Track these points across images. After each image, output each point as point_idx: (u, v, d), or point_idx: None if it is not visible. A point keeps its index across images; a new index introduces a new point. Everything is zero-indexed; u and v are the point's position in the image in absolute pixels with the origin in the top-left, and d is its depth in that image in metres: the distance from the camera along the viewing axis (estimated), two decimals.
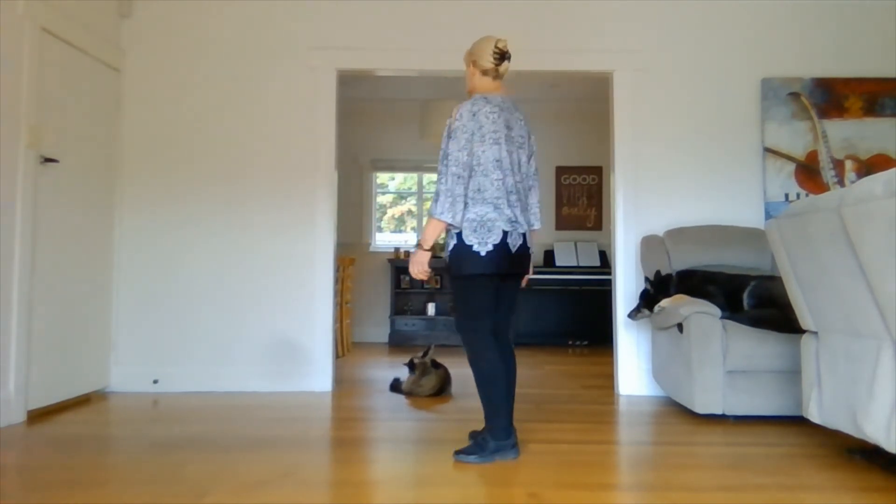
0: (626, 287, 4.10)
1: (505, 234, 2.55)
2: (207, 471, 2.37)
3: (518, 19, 4.21)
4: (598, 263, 6.87)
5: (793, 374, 3.17)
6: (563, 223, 7.26)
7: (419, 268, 2.58)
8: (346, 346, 5.85)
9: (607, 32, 4.21)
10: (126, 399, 3.77)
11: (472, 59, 2.67)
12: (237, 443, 2.77)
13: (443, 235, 2.63)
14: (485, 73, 2.65)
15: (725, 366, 3.21)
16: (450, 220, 2.50)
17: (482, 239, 2.53)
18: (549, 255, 7.02)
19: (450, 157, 2.50)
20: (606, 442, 2.86)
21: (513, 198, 2.58)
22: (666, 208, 4.14)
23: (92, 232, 3.83)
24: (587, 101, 7.12)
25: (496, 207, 2.54)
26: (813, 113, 4.15)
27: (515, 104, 2.71)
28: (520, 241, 2.60)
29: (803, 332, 2.77)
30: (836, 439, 2.88)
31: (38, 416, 3.30)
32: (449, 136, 2.54)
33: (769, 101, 4.14)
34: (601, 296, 6.66)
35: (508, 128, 2.60)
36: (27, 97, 3.23)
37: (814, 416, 2.57)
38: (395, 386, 4.01)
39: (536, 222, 2.79)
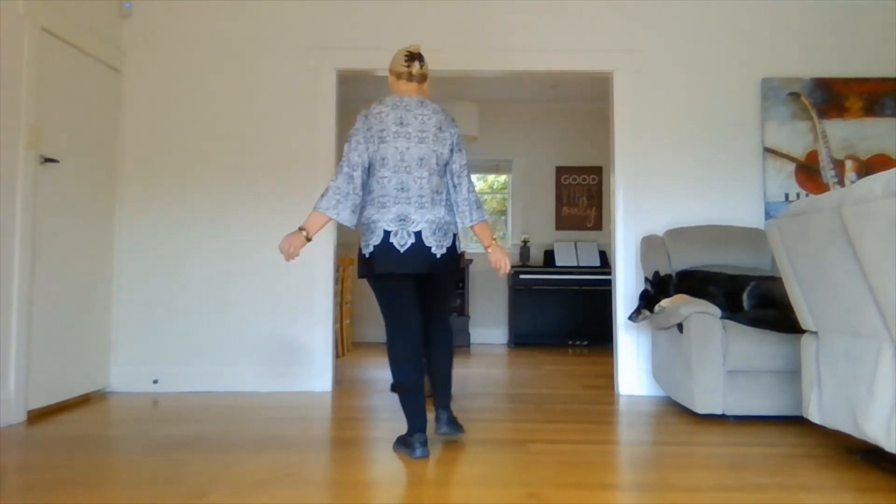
0: (626, 287, 4.10)
1: (387, 233, 2.54)
2: (207, 471, 2.37)
3: (518, 19, 4.21)
4: (598, 263, 6.87)
5: (793, 374, 3.17)
6: (563, 223, 7.26)
7: (286, 246, 2.55)
8: (346, 346, 5.85)
9: (607, 32, 4.21)
10: (126, 399, 3.77)
11: (390, 67, 2.76)
12: (237, 443, 2.77)
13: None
14: (398, 76, 2.72)
15: (725, 366, 3.21)
16: (332, 215, 2.56)
17: (367, 241, 2.59)
18: (549, 255, 7.02)
19: (343, 158, 2.60)
20: (606, 442, 2.86)
21: (403, 195, 2.56)
22: (666, 208, 4.14)
23: (92, 232, 3.83)
24: (587, 101, 7.12)
25: (381, 207, 2.57)
26: (813, 113, 4.15)
27: (424, 102, 2.68)
28: (410, 241, 2.54)
29: (803, 332, 2.77)
30: (836, 439, 2.88)
31: (38, 416, 3.30)
32: (346, 141, 2.64)
33: (769, 101, 4.14)
34: (601, 296, 6.66)
35: (401, 124, 2.60)
36: (27, 97, 3.23)
37: (814, 416, 2.57)
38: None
39: (468, 219, 2.69)
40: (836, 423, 2.44)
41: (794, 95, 4.15)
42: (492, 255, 2.74)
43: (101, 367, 3.92)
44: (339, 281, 5.49)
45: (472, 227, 2.72)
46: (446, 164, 2.68)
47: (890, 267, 2.04)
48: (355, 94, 6.89)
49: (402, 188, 2.56)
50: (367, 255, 2.59)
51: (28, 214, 3.23)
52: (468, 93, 6.85)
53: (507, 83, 6.59)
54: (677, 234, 3.95)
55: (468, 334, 6.88)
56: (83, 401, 3.70)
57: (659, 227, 4.12)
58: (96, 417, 3.31)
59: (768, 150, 4.14)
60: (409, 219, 2.55)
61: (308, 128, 4.14)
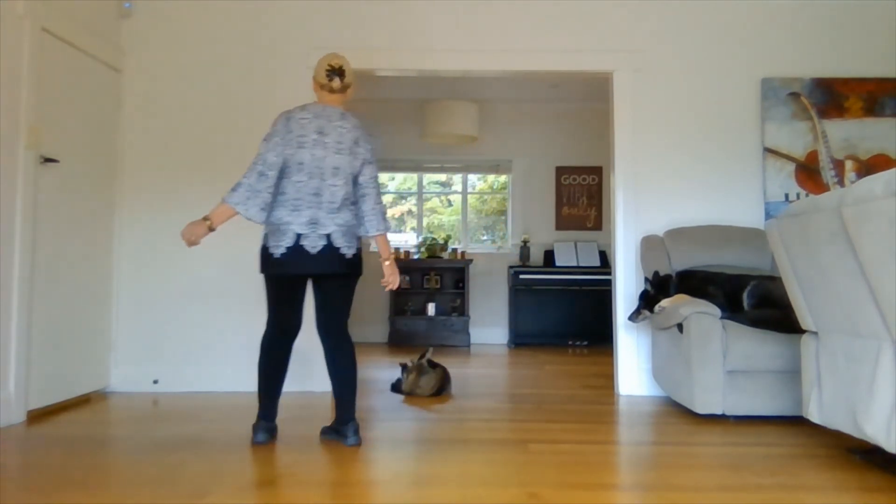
0: (626, 287, 4.10)
1: (299, 236, 2.64)
2: (207, 471, 2.37)
3: (518, 19, 4.21)
4: (598, 263, 6.87)
5: (793, 374, 3.17)
6: (563, 223, 7.26)
7: (188, 234, 2.59)
8: None
9: (607, 32, 4.21)
10: (126, 399, 3.77)
11: (314, 74, 2.85)
12: (237, 443, 2.77)
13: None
14: (321, 87, 2.81)
15: (725, 366, 3.21)
16: (241, 211, 2.59)
17: (277, 242, 2.65)
18: (549, 255, 7.02)
19: (258, 156, 2.65)
20: (606, 442, 2.86)
21: (316, 200, 2.67)
22: (666, 208, 4.14)
23: (92, 232, 3.83)
24: (587, 101, 7.12)
25: (294, 210, 2.65)
26: (813, 113, 4.15)
27: (345, 115, 2.79)
28: (322, 243, 2.65)
29: (803, 332, 2.77)
30: (836, 439, 2.88)
31: (38, 416, 3.30)
32: (264, 139, 2.69)
33: (769, 101, 4.14)
34: (601, 296, 6.65)
35: (320, 133, 2.70)
36: (27, 97, 3.23)
37: (814, 416, 2.57)
38: (396, 386, 4.01)
39: (372, 229, 2.78)
40: (836, 423, 2.44)
41: (794, 95, 4.15)
42: (386, 269, 2.84)
43: (101, 367, 3.92)
44: None
45: (374, 238, 2.82)
46: (357, 176, 2.78)
47: (890, 267, 2.04)
48: (355, 94, 6.87)
49: (317, 193, 2.67)
50: (276, 256, 2.65)
51: (28, 214, 3.23)
52: (468, 93, 6.84)
53: (507, 83, 6.59)
54: (677, 235, 3.95)
55: (468, 334, 6.88)
56: (83, 401, 3.70)
57: (659, 227, 4.12)
58: (96, 417, 3.31)
59: (768, 150, 4.14)
60: (319, 223, 2.67)
61: None
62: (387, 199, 7.79)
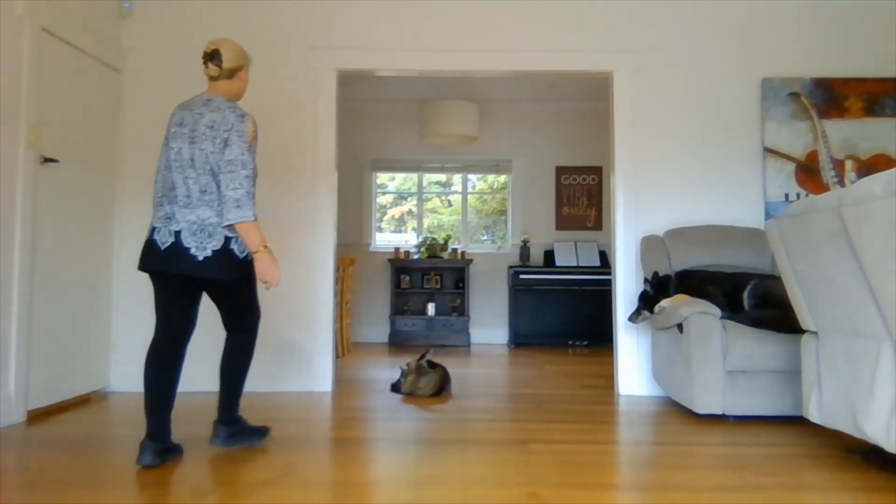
0: (626, 287, 4.10)
1: (153, 230, 2.52)
2: (207, 471, 2.37)
3: (518, 19, 4.21)
4: (598, 263, 6.87)
5: (793, 374, 3.17)
6: (563, 223, 7.26)
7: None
8: (346, 346, 5.86)
9: (607, 32, 4.21)
10: (126, 399, 3.77)
11: None
12: None
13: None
14: (205, 75, 2.67)
15: (725, 366, 3.21)
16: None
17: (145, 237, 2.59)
18: (549, 255, 7.02)
19: None
20: (606, 442, 2.86)
21: (172, 194, 2.51)
22: (666, 208, 4.14)
23: (92, 232, 3.83)
24: (587, 101, 7.12)
25: (157, 205, 2.55)
26: (813, 113, 4.15)
27: (210, 100, 2.57)
28: (170, 240, 2.47)
29: (803, 332, 2.77)
30: (836, 439, 2.88)
31: (38, 416, 3.30)
32: None
33: (769, 101, 4.14)
34: (601, 296, 6.65)
35: (180, 125, 2.55)
36: (27, 97, 3.23)
37: (814, 416, 2.57)
38: (396, 386, 4.01)
39: (229, 213, 2.44)
40: (836, 423, 2.44)
41: (794, 95, 4.15)
42: (256, 265, 2.51)
43: (101, 367, 3.92)
44: (339, 281, 5.49)
45: (235, 228, 2.49)
46: (218, 162, 2.49)
47: (890, 267, 2.04)
48: (355, 94, 6.89)
49: (172, 187, 2.51)
50: (141, 252, 2.58)
51: (28, 214, 3.23)
52: (468, 93, 6.84)
53: (507, 83, 6.59)
54: (677, 235, 3.95)
55: (468, 334, 6.88)
56: (83, 401, 3.69)
57: (659, 227, 4.12)
58: (96, 417, 3.31)
59: (768, 150, 4.14)
60: (173, 218, 2.50)
61: (308, 128, 4.14)
62: (387, 199, 7.79)
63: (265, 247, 2.50)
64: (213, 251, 2.48)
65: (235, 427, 2.72)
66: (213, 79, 2.64)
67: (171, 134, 2.55)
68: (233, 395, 2.73)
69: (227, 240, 2.50)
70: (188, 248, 2.47)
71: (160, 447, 2.45)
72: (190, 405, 3.58)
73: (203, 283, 2.58)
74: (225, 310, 2.69)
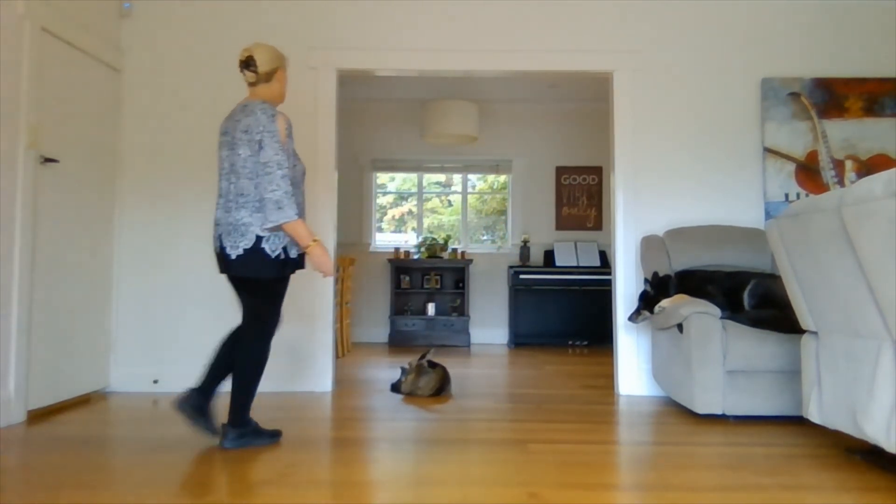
0: (626, 287, 4.10)
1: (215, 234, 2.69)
2: (207, 471, 2.37)
3: (518, 19, 4.21)
4: (598, 263, 6.87)
5: (793, 374, 3.17)
6: (563, 223, 7.26)
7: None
8: (346, 346, 5.86)
9: (607, 32, 4.21)
10: (126, 399, 3.77)
11: None
12: None
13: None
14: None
15: (725, 366, 3.21)
16: None
17: None
18: (549, 255, 7.02)
19: None
20: (606, 442, 2.86)
21: (220, 200, 2.67)
22: (666, 208, 4.14)
23: (92, 232, 3.83)
24: (587, 101, 7.12)
25: (215, 211, 2.71)
26: (813, 113, 4.15)
27: (247, 106, 2.65)
28: (217, 244, 2.65)
29: (803, 332, 2.77)
30: (836, 439, 2.88)
31: (38, 416, 3.30)
32: None
33: (769, 101, 4.14)
34: (601, 296, 6.66)
35: (224, 133, 2.71)
36: (27, 97, 3.23)
37: (814, 416, 2.57)
38: (396, 386, 4.01)
39: (271, 216, 2.53)
40: (836, 423, 2.44)
41: (794, 95, 4.15)
42: (308, 258, 2.63)
43: (101, 367, 3.92)
44: (339, 281, 5.49)
45: (283, 225, 2.56)
46: (255, 166, 2.58)
47: (890, 267, 2.04)
48: (355, 94, 6.89)
49: (220, 194, 2.68)
50: None
51: (28, 214, 3.23)
52: (468, 93, 6.85)
53: (507, 83, 6.59)
54: (677, 234, 3.94)
55: (468, 334, 6.88)
56: (83, 401, 3.69)
57: (659, 227, 4.12)
58: (96, 417, 3.31)
59: (768, 150, 4.14)
60: (219, 222, 2.66)
61: (308, 128, 4.13)
62: (387, 199, 7.79)
63: (315, 240, 2.60)
64: (245, 250, 2.57)
65: (244, 429, 2.70)
66: (251, 84, 2.75)
67: (219, 143, 2.72)
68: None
69: (259, 239, 2.57)
70: (225, 248, 2.61)
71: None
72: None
73: (237, 282, 2.69)
74: (243, 304, 2.74)
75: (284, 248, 2.63)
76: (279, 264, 2.63)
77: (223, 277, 4.02)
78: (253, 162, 2.56)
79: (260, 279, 2.62)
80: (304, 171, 2.80)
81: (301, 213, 2.66)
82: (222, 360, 2.75)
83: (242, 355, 2.69)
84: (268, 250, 2.59)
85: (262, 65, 2.70)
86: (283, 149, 2.58)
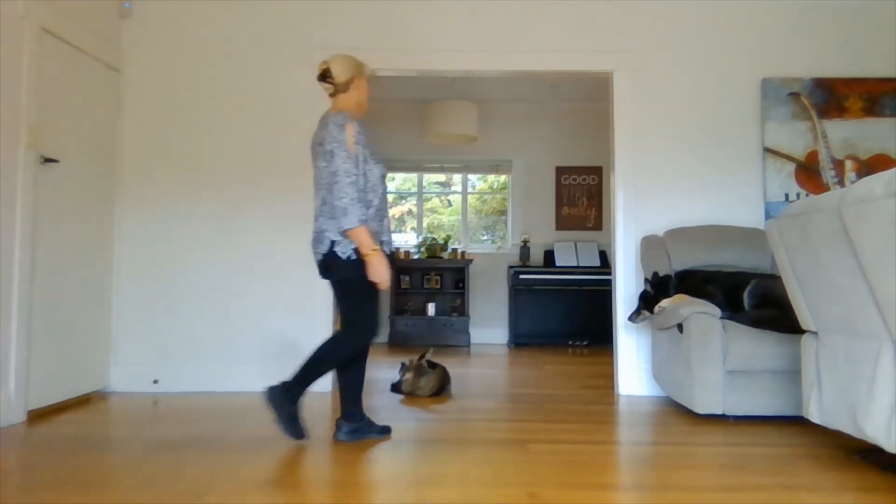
0: (626, 287, 4.10)
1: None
2: (207, 471, 2.37)
3: (518, 19, 4.21)
4: (598, 263, 6.87)
5: (793, 374, 3.17)
6: (563, 223, 7.26)
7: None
8: None
9: (607, 32, 4.21)
10: (126, 399, 3.77)
11: None
12: (237, 443, 2.77)
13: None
14: None
15: (725, 366, 3.21)
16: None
17: None
18: (549, 255, 7.02)
19: None
20: (606, 442, 2.86)
21: (317, 211, 2.80)
22: (666, 208, 4.14)
23: (92, 232, 3.83)
24: (587, 101, 7.12)
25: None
26: (813, 113, 4.15)
27: (325, 117, 2.79)
28: (311, 250, 2.80)
29: (803, 332, 2.77)
30: (836, 439, 2.88)
31: (38, 416, 3.30)
32: None
33: (769, 101, 4.14)
34: (601, 296, 6.66)
35: (311, 148, 2.84)
36: (27, 97, 3.23)
37: (814, 416, 2.57)
38: (396, 386, 4.01)
39: (340, 222, 2.64)
40: (836, 423, 2.44)
41: (794, 95, 4.15)
42: (367, 267, 2.68)
43: (101, 367, 3.92)
44: None
45: (347, 231, 2.65)
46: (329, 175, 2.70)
47: (890, 267, 2.04)
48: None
49: (318, 203, 2.80)
50: None
51: (28, 214, 3.23)
52: (468, 93, 6.85)
53: (507, 83, 6.59)
54: (677, 234, 3.94)
55: (468, 334, 6.88)
56: (83, 401, 3.69)
57: (659, 227, 4.12)
58: (96, 417, 3.31)
59: (768, 150, 4.14)
60: (316, 230, 2.80)
61: (308, 128, 4.13)
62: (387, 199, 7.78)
63: (374, 249, 2.67)
64: (323, 255, 2.74)
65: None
66: (330, 95, 2.87)
67: (313, 155, 2.82)
68: (304, 382, 2.74)
69: (332, 243, 2.72)
70: (314, 254, 2.79)
71: (352, 425, 2.83)
72: (190, 405, 3.58)
73: (333, 286, 2.82)
74: (341, 311, 2.83)
75: (355, 250, 2.71)
76: (353, 265, 2.70)
77: (223, 277, 4.07)
78: (328, 172, 2.69)
79: (340, 280, 2.76)
80: (384, 173, 2.86)
81: (382, 217, 2.83)
82: (351, 372, 2.87)
83: (327, 345, 2.77)
84: (339, 253, 2.71)
85: (339, 75, 2.81)
86: (351, 157, 2.66)
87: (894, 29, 4.20)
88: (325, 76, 2.82)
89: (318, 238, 2.76)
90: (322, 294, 4.07)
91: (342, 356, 2.77)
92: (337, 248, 2.71)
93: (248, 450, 2.66)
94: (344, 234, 2.68)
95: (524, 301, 6.83)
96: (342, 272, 2.72)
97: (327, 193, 2.70)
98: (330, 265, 2.73)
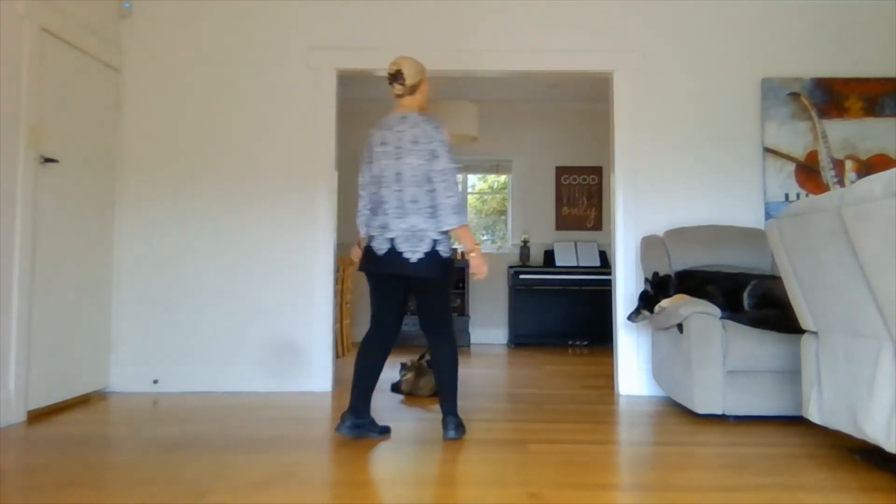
0: (626, 287, 4.10)
1: (371, 238, 2.89)
2: (207, 471, 2.37)
3: (518, 19, 4.21)
4: (598, 263, 6.87)
5: (793, 374, 3.17)
6: (563, 223, 7.26)
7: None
8: (346, 346, 5.86)
9: (607, 32, 4.21)
10: (126, 399, 3.77)
11: None
12: (237, 443, 2.77)
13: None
14: (392, 94, 2.95)
15: (725, 366, 3.21)
16: (364, 234, 2.98)
17: (367, 243, 2.93)
18: (549, 255, 7.01)
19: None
20: (606, 442, 2.86)
21: (384, 206, 2.84)
22: (666, 208, 4.14)
23: (92, 232, 3.83)
24: (587, 101, 7.12)
25: (373, 215, 2.89)
26: (813, 113, 4.15)
27: (405, 118, 2.87)
28: (386, 246, 2.81)
29: (803, 332, 2.77)
30: (836, 439, 2.88)
31: (38, 416, 3.30)
32: None
33: (769, 101, 4.14)
34: (601, 296, 6.66)
35: (382, 144, 2.88)
36: (27, 97, 3.23)
37: (814, 416, 2.57)
38: (396, 386, 4.01)
39: (443, 223, 2.79)
40: (836, 423, 2.44)
41: (794, 95, 4.15)
42: (471, 261, 2.85)
43: (101, 367, 3.92)
44: (339, 281, 5.49)
45: (453, 230, 2.83)
46: (427, 173, 2.80)
47: (890, 267, 2.04)
48: (355, 94, 6.89)
49: (384, 201, 2.84)
50: (364, 255, 2.93)
51: (28, 214, 3.23)
52: (468, 93, 6.85)
53: (507, 83, 6.59)
54: (677, 234, 3.94)
55: (468, 334, 6.88)
56: (83, 401, 3.70)
57: (659, 227, 4.12)
58: (96, 417, 3.31)
59: (768, 150, 4.14)
60: (387, 227, 2.83)
61: (308, 128, 4.14)
62: None
63: (477, 244, 2.87)
64: (425, 253, 2.78)
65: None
66: (398, 96, 2.92)
67: (376, 154, 2.89)
68: (450, 387, 2.87)
69: (434, 242, 2.80)
70: (402, 252, 2.79)
71: (356, 421, 2.82)
72: (190, 405, 3.58)
73: (413, 283, 2.87)
74: (425, 309, 2.92)
75: (452, 249, 2.88)
76: (450, 264, 2.87)
77: (223, 277, 4.06)
78: (424, 170, 2.77)
79: (439, 279, 2.83)
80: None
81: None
82: (375, 370, 2.92)
83: (448, 351, 2.89)
84: (441, 252, 2.81)
85: (409, 78, 2.87)
86: (452, 157, 2.82)
87: (894, 29, 4.20)
88: (397, 77, 2.86)
89: (416, 236, 2.78)
90: (322, 294, 4.07)
91: (455, 355, 2.91)
92: (440, 247, 2.80)
93: (248, 450, 2.66)
94: (445, 232, 2.81)
95: (524, 301, 6.83)
96: (443, 271, 2.82)
97: (419, 191, 2.78)
98: (431, 264, 2.78)
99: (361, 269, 2.93)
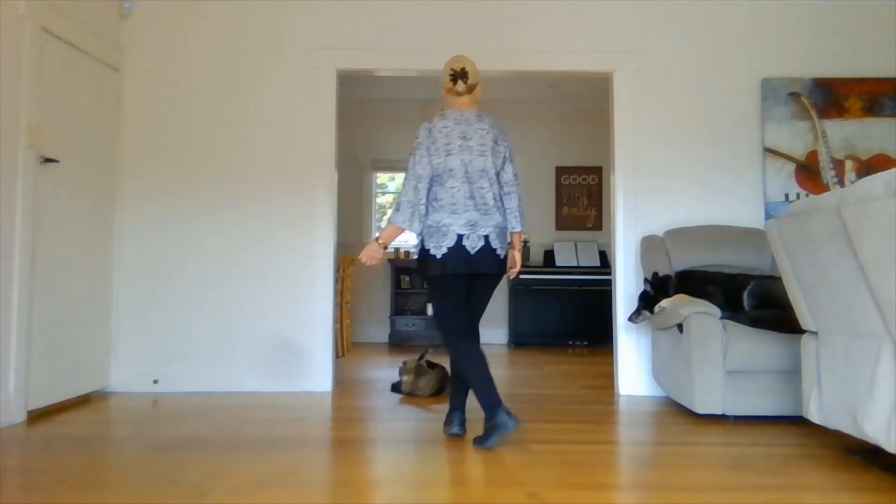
0: (626, 287, 4.10)
1: (460, 237, 2.76)
2: (207, 471, 2.37)
3: (518, 19, 4.21)
4: (598, 263, 6.87)
5: (793, 374, 3.17)
6: (563, 223, 7.26)
7: (368, 257, 2.82)
8: (346, 346, 5.86)
9: (607, 32, 4.21)
10: (126, 399, 3.77)
11: (441, 81, 2.96)
12: (237, 443, 2.77)
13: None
14: (448, 91, 2.92)
15: (725, 366, 3.21)
16: (406, 227, 2.79)
17: (437, 243, 2.78)
18: (549, 255, 7.01)
19: (408, 171, 2.82)
20: (606, 442, 2.86)
21: (470, 203, 2.79)
22: (666, 208, 4.14)
23: (92, 232, 3.83)
24: (587, 101, 7.12)
25: (453, 213, 2.78)
26: (813, 113, 4.15)
27: (481, 116, 2.89)
28: (480, 244, 2.77)
29: (803, 332, 2.77)
30: (836, 439, 2.88)
31: (38, 416, 3.30)
32: (411, 153, 2.85)
33: (769, 101, 4.14)
34: (601, 296, 6.65)
35: (464, 139, 2.82)
36: (27, 97, 3.23)
37: (814, 416, 2.57)
38: (396, 386, 4.01)
39: (517, 224, 2.92)
40: (836, 423, 2.44)
41: (794, 95, 4.15)
42: (517, 259, 3.00)
43: (101, 367, 3.92)
44: (339, 281, 5.49)
45: (514, 232, 2.95)
46: (499, 174, 2.89)
47: (890, 267, 2.04)
48: (355, 94, 6.89)
49: (471, 196, 2.79)
50: (437, 256, 2.77)
51: (28, 214, 3.23)
52: None
53: (508, 83, 6.59)
54: (677, 234, 3.94)
55: None
56: (83, 401, 3.69)
57: (659, 227, 4.12)
58: (96, 417, 3.31)
59: (768, 150, 4.14)
60: (478, 224, 2.78)
61: (308, 128, 4.14)
62: (387, 199, 7.79)
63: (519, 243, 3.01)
64: (506, 252, 2.90)
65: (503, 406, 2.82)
66: (459, 94, 2.90)
67: (458, 147, 2.80)
68: (480, 383, 2.87)
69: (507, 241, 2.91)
70: (495, 249, 2.81)
71: (463, 416, 2.94)
72: (190, 405, 3.58)
73: (482, 279, 2.89)
74: (483, 306, 2.98)
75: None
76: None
77: (223, 277, 4.06)
78: (496, 171, 2.86)
79: (498, 276, 2.91)
80: None
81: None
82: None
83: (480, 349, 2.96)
84: (499, 251, 2.85)
85: (472, 76, 2.89)
86: None
87: (894, 29, 4.20)
88: (463, 76, 2.87)
89: (503, 234, 2.86)
90: (322, 294, 4.07)
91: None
92: (497, 247, 2.84)
93: (248, 450, 2.66)
94: (514, 232, 2.94)
95: (524, 301, 6.83)
96: (505, 270, 2.93)
97: (497, 189, 2.86)
98: (501, 262, 2.86)
99: (443, 272, 2.76)
